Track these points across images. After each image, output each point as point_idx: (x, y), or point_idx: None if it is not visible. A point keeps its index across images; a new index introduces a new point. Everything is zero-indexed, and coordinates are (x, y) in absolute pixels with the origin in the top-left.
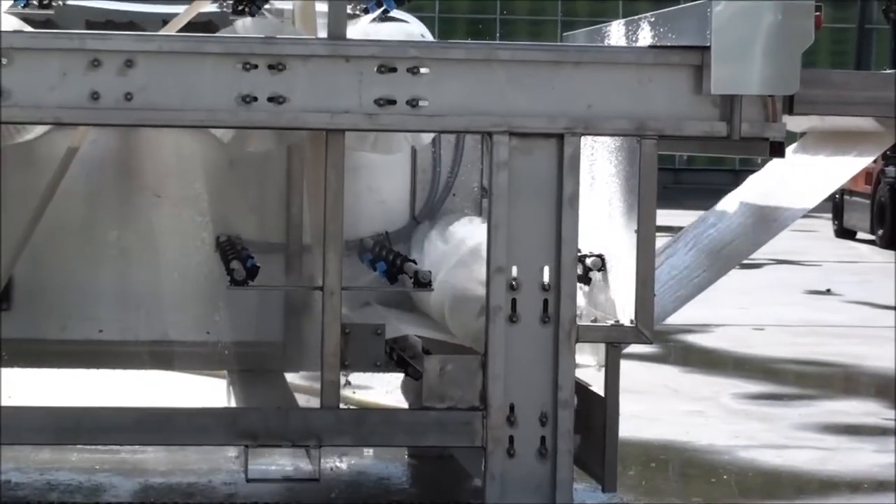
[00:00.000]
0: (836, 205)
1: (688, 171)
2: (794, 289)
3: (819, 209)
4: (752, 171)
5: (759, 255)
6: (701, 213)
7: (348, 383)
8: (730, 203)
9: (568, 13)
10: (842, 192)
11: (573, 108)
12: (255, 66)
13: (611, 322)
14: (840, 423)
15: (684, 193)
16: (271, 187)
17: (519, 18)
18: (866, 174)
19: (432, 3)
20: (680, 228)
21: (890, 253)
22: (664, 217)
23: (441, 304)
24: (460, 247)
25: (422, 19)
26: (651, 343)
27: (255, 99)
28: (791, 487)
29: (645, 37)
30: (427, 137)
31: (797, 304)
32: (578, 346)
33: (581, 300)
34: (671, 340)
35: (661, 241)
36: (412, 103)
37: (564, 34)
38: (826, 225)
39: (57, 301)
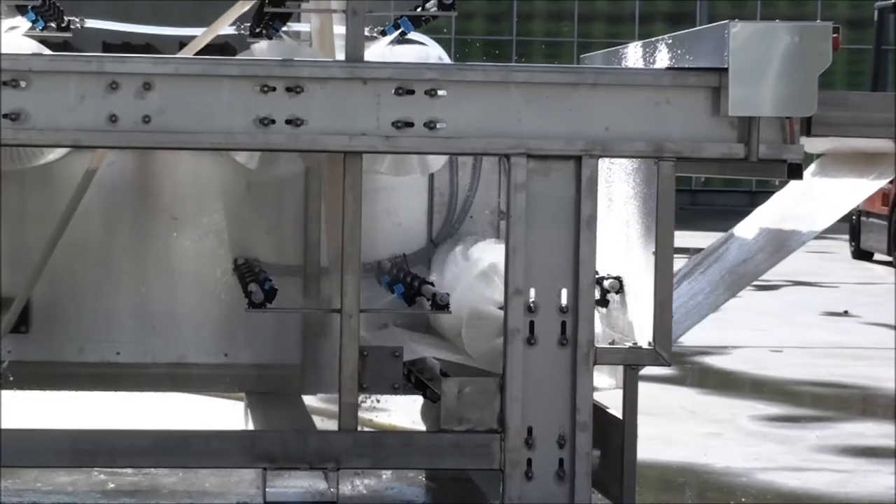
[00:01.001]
0: (852, 226)
1: (705, 192)
2: (811, 310)
3: (836, 230)
4: (769, 193)
5: (776, 276)
6: (718, 234)
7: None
8: (747, 225)
9: (584, 35)
10: (858, 213)
11: (590, 130)
12: (273, 89)
13: (629, 344)
14: (858, 446)
15: (701, 215)
16: (289, 210)
17: (535, 40)
18: (883, 195)
19: (448, 24)
20: (697, 250)
21: None
22: (681, 238)
23: (457, 319)
24: (476, 266)
25: (438, 41)
26: (669, 365)
27: (273, 121)
28: None
29: (662, 58)
30: (441, 160)
31: (814, 326)
32: (596, 368)
33: (599, 322)
34: (688, 362)
35: (678, 262)
36: (430, 126)
37: (581, 56)
38: (843, 246)
39: (75, 323)
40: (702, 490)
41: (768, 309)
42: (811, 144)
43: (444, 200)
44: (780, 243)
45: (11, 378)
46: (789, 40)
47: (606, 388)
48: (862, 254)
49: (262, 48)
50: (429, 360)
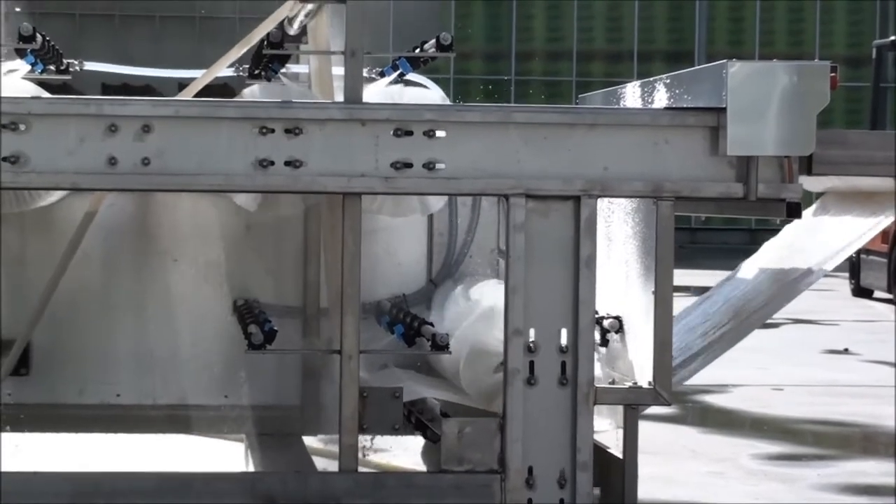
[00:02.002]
0: (852, 264)
1: (705, 230)
2: (811, 348)
3: (836, 268)
4: (770, 231)
5: (777, 314)
6: (718, 272)
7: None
8: (750, 265)
9: (582, 74)
10: (858, 251)
11: (589, 171)
12: (272, 131)
13: (629, 384)
14: (859, 484)
15: (701, 253)
16: (288, 251)
17: (534, 79)
18: (882, 233)
19: (447, 64)
20: (698, 288)
21: None
22: (681, 277)
23: (456, 362)
24: (476, 307)
25: (437, 81)
26: (670, 405)
27: (272, 163)
28: None
29: (660, 98)
30: (441, 201)
31: (815, 364)
32: (596, 408)
33: (599, 362)
34: (689, 401)
35: (678, 301)
36: (429, 166)
37: (579, 95)
38: (843, 284)
39: (75, 365)
40: None
41: (769, 347)
42: (811, 183)
43: (443, 240)
44: (787, 285)
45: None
46: (787, 80)
47: (607, 430)
48: (862, 291)
49: (260, 90)
50: (429, 401)
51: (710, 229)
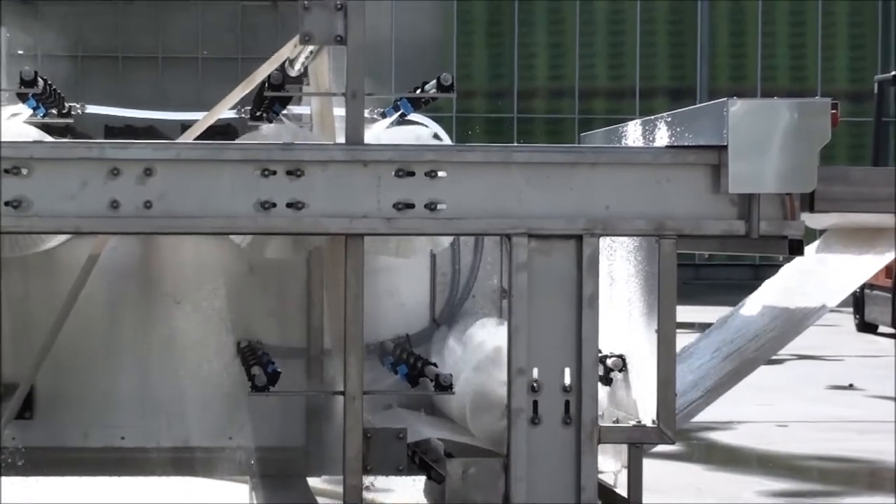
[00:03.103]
0: (857, 299)
1: (708, 266)
2: (816, 384)
3: (840, 303)
4: (773, 266)
5: (782, 350)
6: (721, 308)
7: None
8: (753, 302)
9: (584, 111)
10: (863, 286)
11: (591, 209)
12: (274, 173)
13: (633, 422)
14: None
15: (705, 289)
16: (291, 292)
17: (536, 117)
18: (887, 269)
19: (449, 103)
20: (701, 324)
21: None
22: (685, 313)
23: (462, 406)
24: (480, 349)
25: (439, 119)
26: (674, 443)
27: (274, 205)
28: None
29: (662, 136)
30: (447, 240)
31: (820, 400)
32: (600, 446)
33: (603, 401)
34: (694, 438)
35: (682, 338)
36: (431, 207)
37: (581, 134)
38: (847, 319)
39: (79, 408)
40: None
41: (773, 383)
42: (814, 220)
43: (446, 280)
44: (791, 322)
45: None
46: (788, 117)
47: (611, 471)
48: (866, 326)
49: (262, 132)
50: (433, 441)
51: (713, 265)
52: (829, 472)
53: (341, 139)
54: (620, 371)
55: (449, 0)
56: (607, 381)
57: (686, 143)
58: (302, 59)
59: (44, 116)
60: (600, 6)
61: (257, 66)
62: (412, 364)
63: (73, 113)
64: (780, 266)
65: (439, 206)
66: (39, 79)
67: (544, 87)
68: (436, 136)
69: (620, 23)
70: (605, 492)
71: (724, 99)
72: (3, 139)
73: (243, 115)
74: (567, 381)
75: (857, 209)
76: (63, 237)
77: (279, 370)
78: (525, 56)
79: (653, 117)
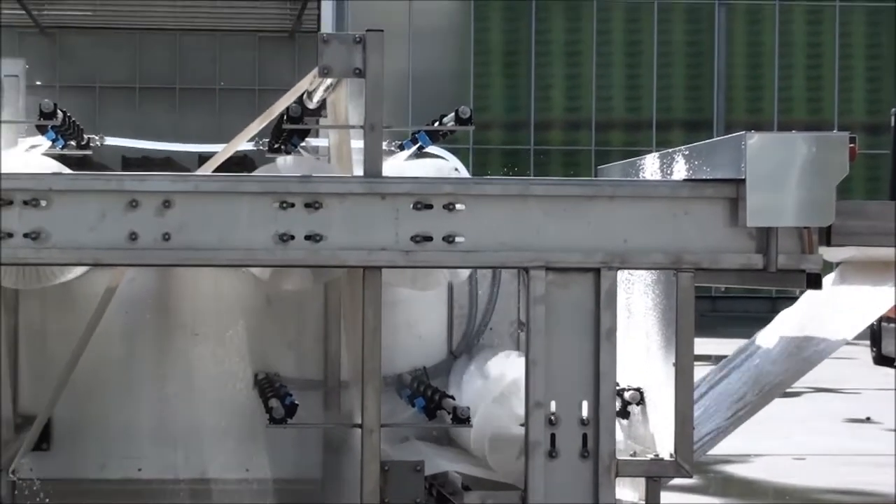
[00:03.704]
0: (873, 332)
1: (725, 298)
2: (833, 417)
3: (857, 336)
4: (790, 299)
5: (798, 383)
6: (739, 341)
7: None
8: (769, 334)
9: (601, 143)
10: (879, 319)
11: (609, 243)
12: (292, 205)
13: (650, 456)
14: None
15: (722, 321)
16: (309, 324)
17: (553, 149)
18: None
19: (466, 135)
20: (718, 357)
21: None
22: (702, 345)
23: (481, 440)
24: (498, 383)
25: (456, 151)
26: (691, 477)
27: (293, 237)
28: None
29: (679, 170)
30: (464, 273)
31: (837, 433)
32: (618, 480)
33: (620, 434)
34: (711, 471)
35: (699, 370)
36: (448, 239)
37: (599, 167)
38: (864, 352)
39: (96, 440)
40: None
41: (790, 416)
42: (830, 254)
43: (463, 313)
44: (807, 355)
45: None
46: (806, 151)
47: (629, 502)
48: (883, 359)
49: (280, 164)
50: (451, 474)
51: (730, 297)
52: None
53: (359, 171)
54: (638, 404)
55: (466, 31)
56: (625, 414)
57: (704, 177)
58: (320, 91)
59: (62, 148)
60: (617, 38)
61: (274, 97)
62: (429, 396)
63: (91, 145)
64: (796, 298)
65: (457, 239)
66: (59, 111)
67: (561, 118)
68: (455, 171)
69: (637, 55)
70: None
71: (742, 132)
72: (22, 171)
73: (261, 147)
74: (585, 414)
75: (873, 243)
76: (81, 269)
77: (297, 402)
78: (542, 87)
79: (670, 150)
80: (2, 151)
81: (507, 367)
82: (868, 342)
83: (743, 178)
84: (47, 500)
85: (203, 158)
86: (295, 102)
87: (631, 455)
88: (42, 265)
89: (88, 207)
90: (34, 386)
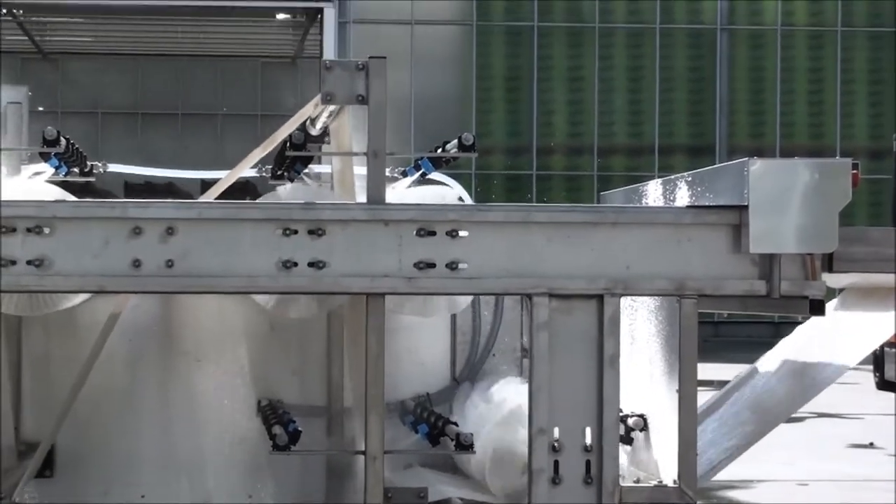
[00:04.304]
0: (877, 357)
1: (728, 323)
2: (836, 442)
3: (860, 361)
4: (793, 324)
5: (801, 408)
6: (742, 366)
7: None
8: (771, 359)
9: (603, 168)
10: (882, 344)
11: (612, 269)
12: (295, 232)
13: (654, 482)
14: None
15: (725, 346)
16: (312, 351)
17: (555, 174)
18: None
19: (469, 161)
20: (721, 382)
21: None
22: (704, 371)
23: (483, 465)
24: (500, 408)
25: (458, 177)
26: (695, 503)
27: (296, 264)
28: None
29: (682, 196)
30: (466, 300)
31: (840, 458)
32: None
33: (623, 460)
34: (714, 497)
35: (702, 395)
36: (452, 266)
37: (601, 193)
38: (867, 377)
39: (99, 466)
40: None
41: (793, 441)
42: (833, 280)
43: (466, 339)
44: (811, 381)
45: None
46: (809, 177)
47: None
48: (886, 384)
49: (283, 191)
50: (454, 500)
51: (733, 322)
52: None
53: (362, 198)
54: (641, 431)
55: (468, 57)
56: (628, 440)
57: (707, 203)
58: (323, 118)
59: (66, 175)
60: (619, 63)
61: (277, 123)
62: (433, 423)
63: (94, 171)
64: (799, 324)
65: (460, 266)
66: (62, 138)
67: (563, 143)
68: (459, 199)
69: (639, 80)
70: None
71: (745, 159)
72: (25, 198)
73: (264, 174)
74: (588, 440)
75: (875, 269)
76: (84, 296)
77: (300, 429)
78: (544, 113)
79: (673, 177)
80: (5, 178)
81: (510, 394)
82: (871, 367)
83: (746, 204)
84: None
85: (205, 184)
86: (298, 129)
87: (634, 481)
88: (45, 292)
89: (92, 234)
90: (37, 413)
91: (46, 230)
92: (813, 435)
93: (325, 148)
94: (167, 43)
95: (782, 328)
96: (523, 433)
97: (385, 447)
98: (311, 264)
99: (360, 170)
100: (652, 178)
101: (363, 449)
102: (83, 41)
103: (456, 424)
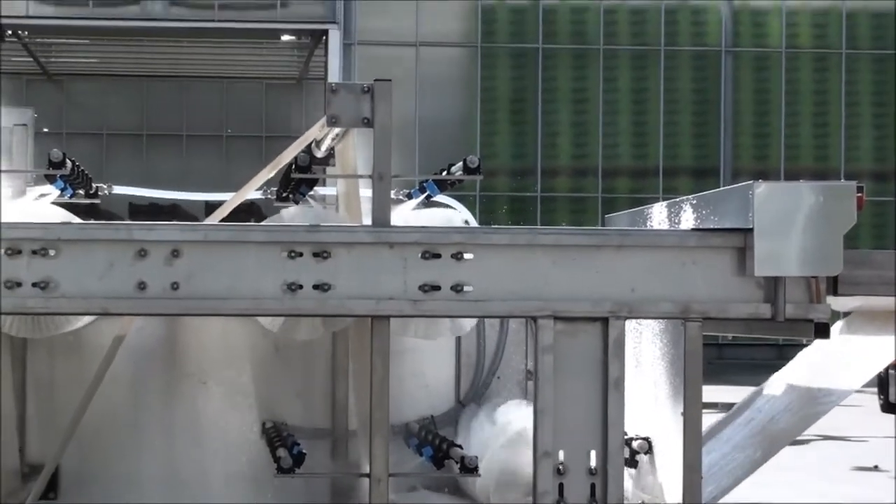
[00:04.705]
0: (881, 379)
1: (732, 346)
2: (841, 465)
3: (864, 383)
4: (797, 347)
5: (806, 431)
6: (746, 388)
7: None
8: (777, 382)
9: (608, 190)
10: (887, 366)
11: (617, 292)
12: (300, 254)
13: None
14: None
15: (729, 369)
16: (316, 373)
17: (559, 196)
18: None
19: (473, 182)
20: (726, 404)
21: None
22: (708, 393)
23: (486, 486)
24: (505, 430)
25: (462, 198)
26: None
27: (301, 287)
28: None
29: (687, 219)
30: (471, 322)
31: (845, 481)
32: None
33: (628, 483)
34: None
35: (706, 418)
36: (457, 289)
37: (606, 216)
38: (871, 399)
39: (103, 489)
40: None
41: (798, 464)
42: (837, 303)
43: (471, 361)
44: (813, 404)
45: None
46: (813, 200)
47: None
48: (891, 407)
49: (289, 213)
50: None
51: (737, 345)
52: None
53: (367, 221)
54: (646, 454)
55: (473, 79)
56: (633, 463)
57: (711, 226)
58: (328, 140)
59: (71, 197)
60: (623, 85)
61: (282, 144)
62: (437, 446)
63: (100, 194)
64: (803, 346)
65: (465, 288)
66: (67, 160)
67: (568, 165)
68: (465, 221)
69: (644, 102)
70: None
71: (750, 182)
72: (31, 220)
73: (269, 196)
74: (593, 463)
75: (880, 293)
76: (89, 318)
77: (304, 451)
78: (548, 135)
79: (678, 199)
80: (11, 200)
81: (515, 416)
82: (875, 390)
83: (750, 227)
84: None
85: (210, 206)
86: (303, 151)
87: None
88: (50, 314)
89: (97, 257)
90: (42, 435)
91: (52, 252)
92: (817, 457)
93: (330, 170)
94: (172, 64)
95: (786, 350)
96: (528, 456)
97: (390, 470)
98: (316, 287)
99: (366, 192)
100: (656, 199)
101: (368, 471)
102: (88, 62)
103: (461, 447)
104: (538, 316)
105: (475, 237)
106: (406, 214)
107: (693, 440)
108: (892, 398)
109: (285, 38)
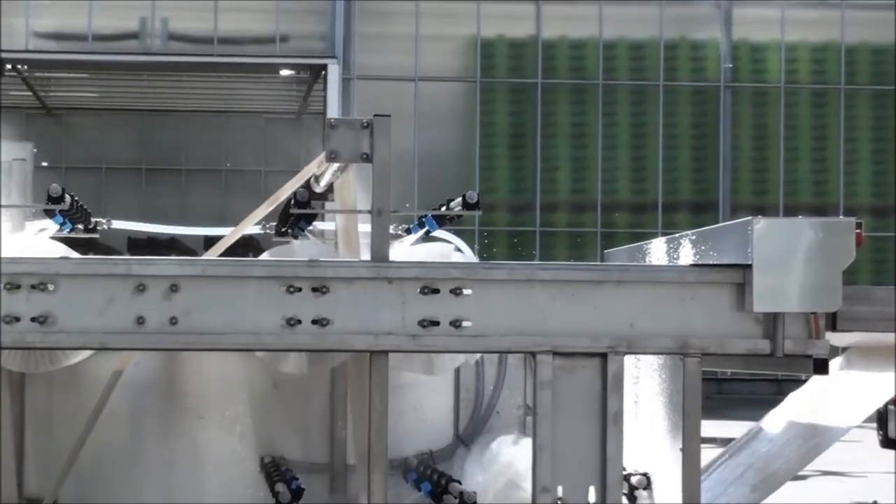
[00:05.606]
0: (880, 415)
1: (731, 381)
2: (840, 501)
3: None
4: (796, 382)
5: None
6: (745, 423)
7: None
8: (776, 418)
9: (607, 225)
10: (886, 402)
11: (616, 327)
12: (299, 290)
13: None
14: None
15: (728, 404)
16: (315, 407)
17: (559, 231)
18: None
19: (472, 217)
20: (724, 439)
21: None
22: (707, 428)
23: None
24: (503, 466)
25: (461, 233)
26: None
27: (300, 321)
28: None
29: (686, 254)
30: (471, 358)
31: None
32: None
33: None
34: None
35: (705, 453)
36: (455, 324)
37: (605, 251)
38: (870, 435)
39: None
40: None
41: (797, 500)
42: (837, 339)
43: (470, 396)
44: (812, 441)
45: None
46: (813, 236)
47: None
48: (890, 442)
49: (287, 248)
50: None
51: (736, 380)
52: None
53: (366, 256)
54: (645, 489)
55: (472, 114)
56: (632, 498)
57: (710, 262)
58: (328, 175)
59: (70, 231)
60: (622, 120)
61: (281, 178)
62: (436, 481)
63: (98, 228)
64: (803, 382)
65: (464, 324)
66: (66, 195)
67: (567, 200)
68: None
69: (643, 137)
70: None
71: (749, 218)
72: (29, 255)
73: (268, 231)
74: (592, 499)
75: (879, 329)
76: (87, 353)
77: (303, 486)
78: (547, 170)
79: (677, 235)
80: (10, 235)
81: (513, 451)
82: (874, 425)
83: (750, 263)
84: None
85: (209, 241)
86: (302, 186)
87: None
88: (49, 349)
89: (96, 292)
90: (40, 469)
91: (50, 287)
92: (816, 493)
93: (329, 205)
94: (171, 98)
95: (785, 385)
96: (526, 491)
97: None
98: (315, 322)
99: (365, 227)
100: (655, 234)
101: None
102: (87, 97)
103: (459, 482)
104: (537, 351)
105: (474, 272)
106: (405, 250)
107: (691, 476)
108: (891, 433)
109: (284, 72)
